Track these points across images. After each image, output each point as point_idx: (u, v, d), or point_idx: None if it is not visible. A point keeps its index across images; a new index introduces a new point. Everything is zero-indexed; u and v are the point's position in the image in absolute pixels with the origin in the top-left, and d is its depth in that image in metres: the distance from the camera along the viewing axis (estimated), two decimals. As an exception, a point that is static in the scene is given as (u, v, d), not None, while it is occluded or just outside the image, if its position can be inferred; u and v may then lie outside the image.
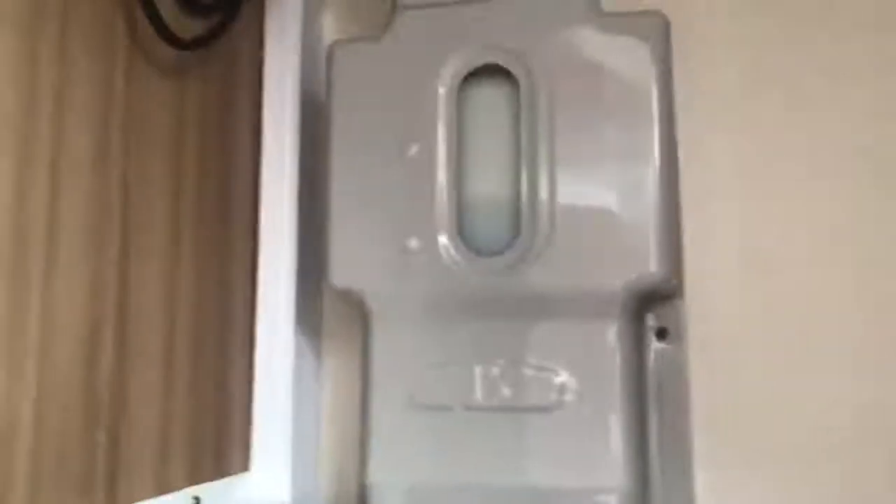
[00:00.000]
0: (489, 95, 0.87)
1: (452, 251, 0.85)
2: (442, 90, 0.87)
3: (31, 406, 0.63)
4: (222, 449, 0.89)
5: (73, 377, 0.68)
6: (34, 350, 0.64)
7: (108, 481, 0.71)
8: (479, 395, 0.83)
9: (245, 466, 0.93)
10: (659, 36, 0.84)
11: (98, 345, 0.71)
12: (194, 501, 0.82)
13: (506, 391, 0.82)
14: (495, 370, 0.83)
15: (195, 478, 0.84)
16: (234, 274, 0.93)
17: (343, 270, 0.88)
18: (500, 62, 0.86)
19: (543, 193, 0.83)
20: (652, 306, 0.89)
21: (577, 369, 0.81)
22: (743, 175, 0.92)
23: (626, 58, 0.83)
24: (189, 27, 0.84)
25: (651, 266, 0.80)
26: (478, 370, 0.83)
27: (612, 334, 0.82)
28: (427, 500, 0.84)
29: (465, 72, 0.87)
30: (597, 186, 0.82)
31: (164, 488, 0.79)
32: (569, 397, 0.81)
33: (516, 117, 0.85)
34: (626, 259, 0.80)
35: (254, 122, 0.98)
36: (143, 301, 0.77)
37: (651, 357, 0.88)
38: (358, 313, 0.94)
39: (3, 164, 0.61)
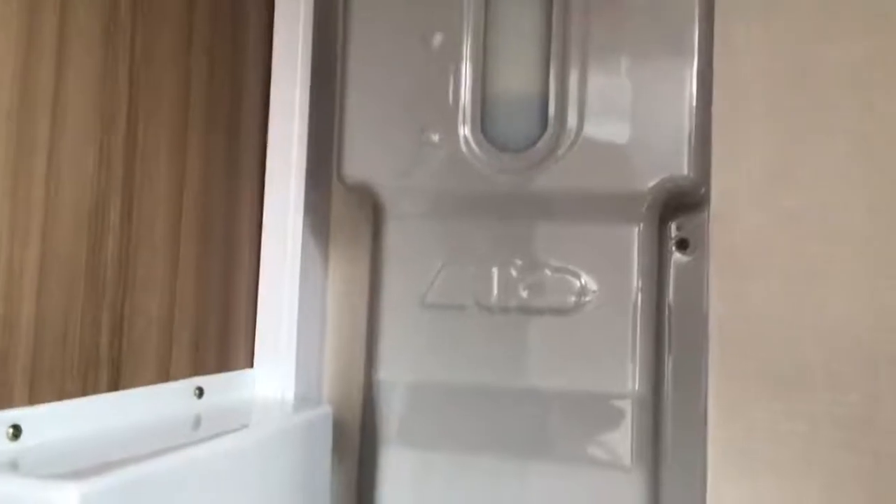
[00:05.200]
0: (520, -18, 0.82)
1: (474, 146, 0.81)
2: (470, -26, 0.82)
3: (35, 280, 0.60)
4: (226, 343, 0.87)
5: (78, 252, 0.64)
6: (38, 222, 0.61)
7: (112, 364, 0.69)
8: (495, 295, 0.81)
9: (249, 363, 0.91)
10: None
11: (104, 220, 0.67)
12: (197, 392, 0.81)
13: (523, 292, 0.80)
14: (513, 270, 0.80)
15: (198, 370, 0.82)
16: (242, 164, 0.89)
17: (356, 164, 0.85)
18: (533, -54, 0.81)
19: (573, 87, 0.79)
20: (675, 215, 0.86)
21: (597, 273, 0.79)
22: (772, 88, 0.88)
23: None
24: None
25: (684, 168, 0.76)
26: (495, 270, 0.81)
27: (634, 239, 0.79)
28: (436, 399, 0.82)
29: (495, -45, 0.82)
30: (630, 82, 0.78)
31: (167, 376, 0.77)
32: (587, 301, 0.79)
33: (549, 5, 0.80)
34: (658, 159, 0.76)
35: (266, 6, 0.93)
36: (150, 181, 0.73)
37: (671, 268, 0.86)
38: (369, 209, 0.91)
39: (7, 35, 0.57)
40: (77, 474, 0.52)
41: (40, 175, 0.61)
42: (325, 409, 0.89)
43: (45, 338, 0.61)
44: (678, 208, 0.85)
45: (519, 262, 0.80)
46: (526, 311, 0.80)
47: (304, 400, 0.92)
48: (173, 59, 0.76)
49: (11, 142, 0.58)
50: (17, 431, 0.57)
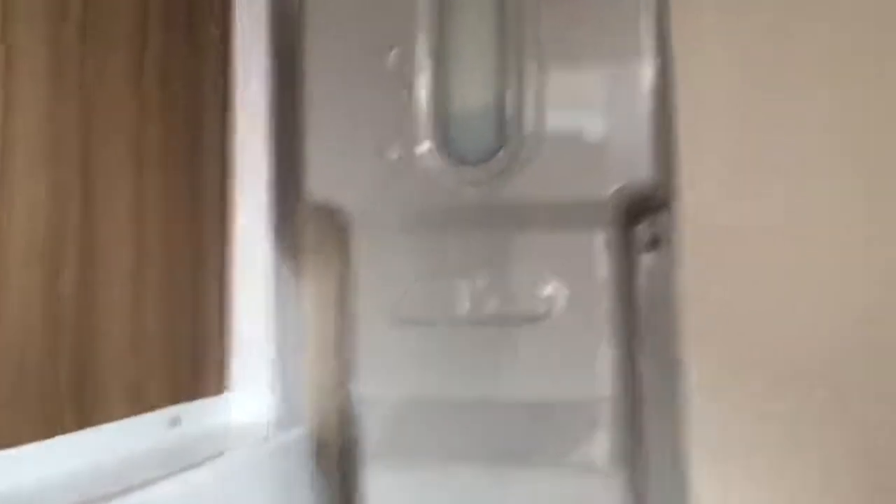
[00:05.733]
0: (473, -6, 0.82)
1: (435, 160, 0.81)
2: (422, -11, 0.82)
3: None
4: (200, 369, 0.87)
5: (32, 286, 0.63)
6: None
7: (76, 402, 0.68)
8: (464, 307, 0.80)
9: (225, 387, 0.90)
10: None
11: (60, 257, 0.66)
12: (171, 422, 0.80)
13: (492, 303, 0.80)
14: (481, 282, 0.80)
15: (172, 399, 0.81)
16: (205, 187, 0.88)
17: (320, 183, 0.84)
18: (484, -44, 0.81)
19: (530, 97, 0.78)
20: (643, 216, 0.85)
21: (566, 279, 0.79)
22: (738, 81, 0.88)
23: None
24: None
25: (644, 171, 0.76)
26: (463, 283, 0.80)
27: (601, 243, 0.79)
28: (414, 414, 0.82)
29: (446, -32, 0.82)
30: (587, 89, 0.78)
31: (138, 409, 0.76)
32: (557, 308, 0.79)
33: (502, 16, 0.80)
34: (618, 165, 0.76)
35: (223, 28, 0.92)
36: (107, 214, 0.72)
37: (642, 267, 0.86)
38: (336, 228, 0.90)
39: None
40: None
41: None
42: (304, 431, 0.89)
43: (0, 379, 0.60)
44: (645, 208, 0.85)
45: (487, 274, 0.80)
46: (497, 321, 0.80)
47: (282, 422, 0.91)
48: (126, 81, 0.75)
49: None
50: (-23, 480, 0.57)
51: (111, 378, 0.72)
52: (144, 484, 0.63)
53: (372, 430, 0.84)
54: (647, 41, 0.78)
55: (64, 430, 0.66)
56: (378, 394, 0.84)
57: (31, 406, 0.63)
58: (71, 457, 0.65)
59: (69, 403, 0.66)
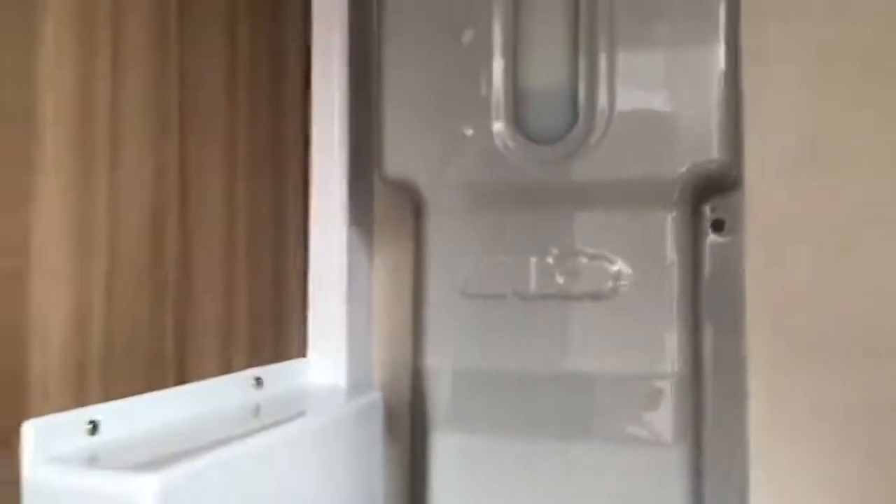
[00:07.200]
0: (547, -24, 0.84)
1: (508, 139, 0.84)
2: (497, -29, 0.84)
3: (103, 290, 0.65)
4: (281, 336, 0.92)
5: (141, 258, 0.69)
6: (103, 237, 0.65)
7: (177, 361, 0.74)
8: (532, 283, 0.83)
9: (303, 353, 0.96)
10: None
11: (163, 232, 0.72)
12: (255, 382, 0.85)
13: (560, 279, 0.83)
14: (549, 259, 0.83)
15: (256, 361, 0.87)
16: (287, 166, 0.93)
17: (396, 160, 0.88)
18: (558, -61, 0.83)
19: (602, 78, 0.80)
20: (709, 197, 0.87)
21: (633, 258, 0.81)
22: (805, 65, 0.88)
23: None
24: None
25: (713, 152, 0.78)
26: (532, 260, 0.83)
27: (668, 224, 0.81)
28: (480, 385, 0.85)
29: (521, -49, 0.84)
30: (658, 70, 0.79)
31: (227, 369, 0.82)
32: (623, 285, 0.81)
33: (575, -1, 0.82)
34: (687, 145, 0.78)
35: (304, 6, 0.96)
36: (202, 191, 0.78)
37: (707, 249, 0.87)
38: (410, 204, 0.94)
39: (65, 52, 0.62)
40: (156, 465, 0.57)
41: (103, 184, 0.65)
42: (376, 396, 0.93)
43: (115, 340, 0.66)
44: (712, 189, 0.86)
45: (555, 251, 0.83)
46: (563, 297, 0.82)
47: (355, 387, 0.96)
48: (218, 61, 0.80)
49: (75, 153, 0.63)
50: (94, 427, 0.63)
51: (205, 343, 0.78)
52: (237, 437, 0.68)
53: (440, 399, 0.88)
54: (718, 23, 0.79)
55: (165, 386, 0.72)
56: (446, 364, 0.87)
57: (140, 364, 0.69)
58: (172, 408, 0.71)
59: (171, 363, 0.72)
